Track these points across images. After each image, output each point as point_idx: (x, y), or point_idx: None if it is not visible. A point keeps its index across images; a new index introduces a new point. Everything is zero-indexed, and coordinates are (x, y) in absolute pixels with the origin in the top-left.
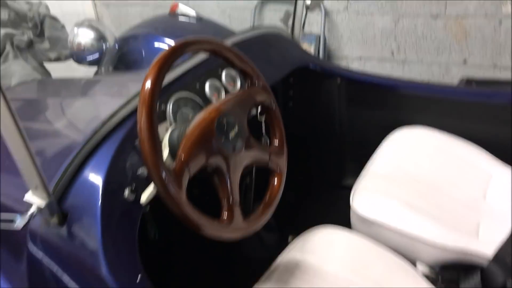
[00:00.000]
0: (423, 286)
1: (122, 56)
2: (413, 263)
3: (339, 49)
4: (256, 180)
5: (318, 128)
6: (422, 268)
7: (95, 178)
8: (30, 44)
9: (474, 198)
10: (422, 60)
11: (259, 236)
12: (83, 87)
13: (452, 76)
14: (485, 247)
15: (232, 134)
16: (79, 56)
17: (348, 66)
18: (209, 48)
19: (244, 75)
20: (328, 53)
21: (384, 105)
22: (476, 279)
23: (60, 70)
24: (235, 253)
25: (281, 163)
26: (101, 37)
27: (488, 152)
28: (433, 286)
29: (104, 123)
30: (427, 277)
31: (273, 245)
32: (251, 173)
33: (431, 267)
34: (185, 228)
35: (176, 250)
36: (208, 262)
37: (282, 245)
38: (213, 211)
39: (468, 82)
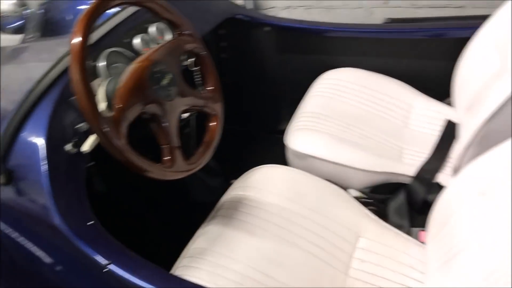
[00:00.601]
0: (355, 207)
1: (48, 22)
2: (345, 189)
3: (267, 1)
4: (198, 132)
5: (253, 76)
6: (353, 192)
7: (36, 135)
8: None
9: (397, 127)
10: (347, 5)
11: (204, 182)
12: (11, 55)
13: (375, 18)
14: (408, 169)
15: (165, 82)
16: (1, 24)
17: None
18: (133, 1)
19: (172, 25)
20: (256, 5)
21: (314, 50)
22: (401, 197)
23: None
24: (182, 200)
25: (217, 107)
26: (23, 3)
27: (409, 86)
28: (364, 207)
29: (38, 81)
30: (359, 200)
31: (218, 190)
32: (189, 123)
33: (361, 191)
34: (132, 180)
35: (125, 200)
36: (157, 209)
37: (226, 189)
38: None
39: (393, 22)
